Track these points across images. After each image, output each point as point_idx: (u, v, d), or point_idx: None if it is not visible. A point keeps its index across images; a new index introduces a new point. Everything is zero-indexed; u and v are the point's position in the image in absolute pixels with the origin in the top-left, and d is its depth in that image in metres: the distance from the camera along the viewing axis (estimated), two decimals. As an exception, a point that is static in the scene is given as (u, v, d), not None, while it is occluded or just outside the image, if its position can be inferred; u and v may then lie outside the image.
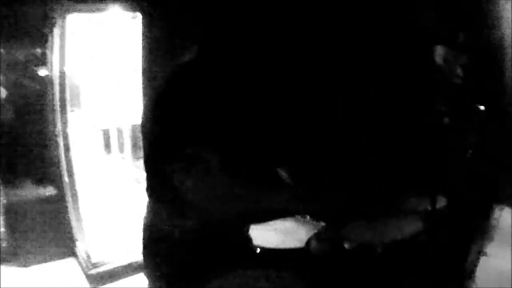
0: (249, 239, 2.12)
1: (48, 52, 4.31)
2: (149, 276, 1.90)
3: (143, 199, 1.89)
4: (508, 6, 3.16)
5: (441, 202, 2.43)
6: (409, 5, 3.46)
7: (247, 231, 2.13)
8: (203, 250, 1.81)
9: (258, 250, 2.29)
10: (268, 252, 2.28)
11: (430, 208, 2.27)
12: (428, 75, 3.34)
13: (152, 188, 1.84)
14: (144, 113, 1.82)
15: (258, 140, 1.94)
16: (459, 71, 3.20)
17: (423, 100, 3.34)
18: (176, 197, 1.68)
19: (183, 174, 1.64)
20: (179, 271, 1.80)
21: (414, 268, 2.12)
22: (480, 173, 2.77)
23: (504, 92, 3.11)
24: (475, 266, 2.23)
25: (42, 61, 4.74)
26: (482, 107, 2.78)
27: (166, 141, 1.68)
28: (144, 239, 1.90)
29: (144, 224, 1.90)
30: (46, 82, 4.33)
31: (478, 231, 2.45)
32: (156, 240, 1.86)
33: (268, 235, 2.44)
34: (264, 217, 2.02)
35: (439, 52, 3.34)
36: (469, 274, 2.19)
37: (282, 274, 1.88)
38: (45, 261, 4.14)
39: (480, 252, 2.31)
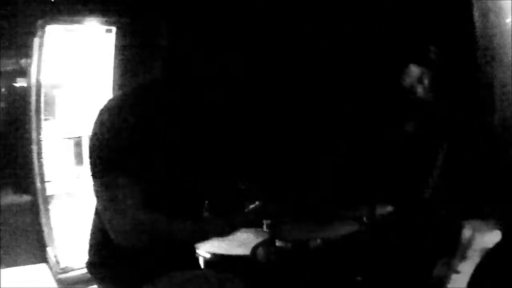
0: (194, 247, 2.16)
1: (28, 62, 4.40)
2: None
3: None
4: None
5: (385, 209, 2.53)
6: (381, 23, 3.52)
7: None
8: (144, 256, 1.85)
9: (207, 256, 2.39)
10: (214, 259, 2.37)
11: (368, 215, 2.36)
12: (397, 92, 3.40)
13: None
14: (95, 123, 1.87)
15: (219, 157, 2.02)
16: (430, 88, 3.24)
17: (388, 115, 3.40)
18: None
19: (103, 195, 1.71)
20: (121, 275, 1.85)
21: (359, 268, 2.20)
22: (453, 188, 2.81)
23: (493, 105, 3.07)
24: (445, 279, 2.27)
25: (23, 70, 4.83)
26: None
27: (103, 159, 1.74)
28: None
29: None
30: (24, 91, 4.41)
31: (445, 245, 2.50)
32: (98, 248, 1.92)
33: (221, 244, 2.52)
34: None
35: (411, 70, 3.39)
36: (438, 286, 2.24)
37: (223, 275, 1.93)
38: (18, 264, 4.20)
39: (449, 266, 2.35)
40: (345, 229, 2.34)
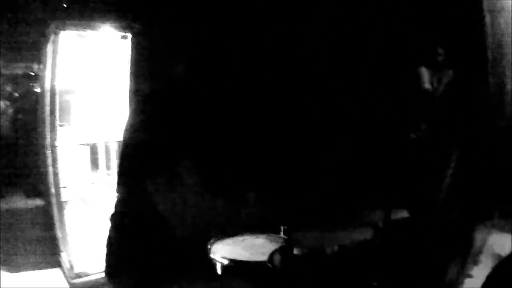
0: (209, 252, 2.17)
1: (42, 67, 4.43)
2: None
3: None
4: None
5: (401, 215, 2.51)
6: (390, 24, 3.50)
7: (211, 244, 2.20)
8: (165, 259, 1.87)
9: (224, 262, 2.38)
10: (229, 264, 2.37)
11: (383, 220, 2.34)
12: (410, 94, 3.38)
13: (123, 202, 1.91)
14: (129, 127, 1.89)
15: (235, 158, 2.02)
16: (442, 89, 3.22)
17: (401, 118, 3.38)
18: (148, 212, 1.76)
19: (162, 188, 1.72)
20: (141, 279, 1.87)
21: (374, 273, 2.19)
22: (462, 192, 2.79)
23: (497, 105, 3.03)
24: (458, 283, 2.26)
25: (37, 76, 4.87)
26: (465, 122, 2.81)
27: (149, 156, 1.76)
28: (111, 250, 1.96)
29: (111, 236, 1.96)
30: (38, 97, 4.44)
31: (457, 249, 2.48)
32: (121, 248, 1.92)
33: (236, 249, 2.52)
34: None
35: (423, 73, 3.37)
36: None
37: (224, 277, 1.96)
38: (32, 269, 4.23)
39: (462, 270, 2.33)
40: (360, 235, 2.33)
